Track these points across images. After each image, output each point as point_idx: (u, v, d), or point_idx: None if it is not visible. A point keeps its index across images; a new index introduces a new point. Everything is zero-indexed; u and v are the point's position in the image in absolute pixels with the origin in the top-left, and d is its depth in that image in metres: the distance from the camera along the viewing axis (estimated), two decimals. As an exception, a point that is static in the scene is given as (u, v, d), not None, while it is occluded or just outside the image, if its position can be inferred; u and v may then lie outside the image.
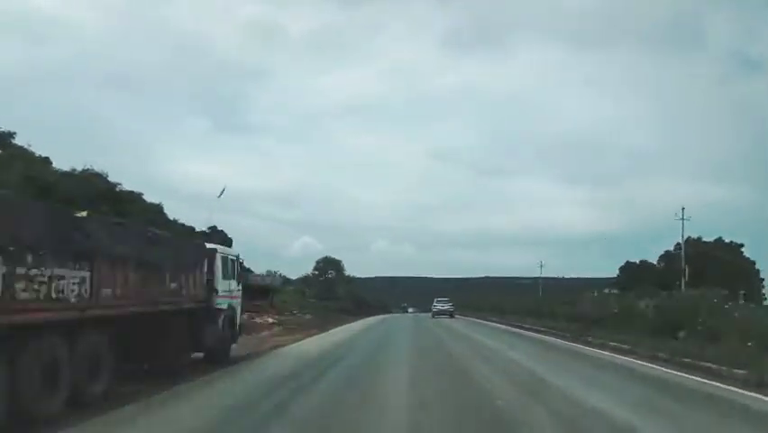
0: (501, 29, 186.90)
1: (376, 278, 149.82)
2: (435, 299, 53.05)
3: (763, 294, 53.62)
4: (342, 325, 34.37)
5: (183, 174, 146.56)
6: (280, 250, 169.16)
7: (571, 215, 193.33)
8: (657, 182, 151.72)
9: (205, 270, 12.65)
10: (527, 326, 30.93)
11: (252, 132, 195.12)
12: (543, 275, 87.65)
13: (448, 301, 51.68)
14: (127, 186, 29.48)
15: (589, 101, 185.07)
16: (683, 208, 54.55)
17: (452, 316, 47.91)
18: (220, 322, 13.51)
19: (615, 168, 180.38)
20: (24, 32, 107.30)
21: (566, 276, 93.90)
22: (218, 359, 13.27)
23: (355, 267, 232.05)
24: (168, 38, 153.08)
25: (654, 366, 13.72)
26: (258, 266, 54.40)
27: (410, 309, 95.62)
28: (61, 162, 28.34)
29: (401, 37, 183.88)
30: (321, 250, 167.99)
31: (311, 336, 24.31)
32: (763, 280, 60.17)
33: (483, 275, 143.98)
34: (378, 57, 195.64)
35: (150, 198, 32.18)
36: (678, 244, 57.61)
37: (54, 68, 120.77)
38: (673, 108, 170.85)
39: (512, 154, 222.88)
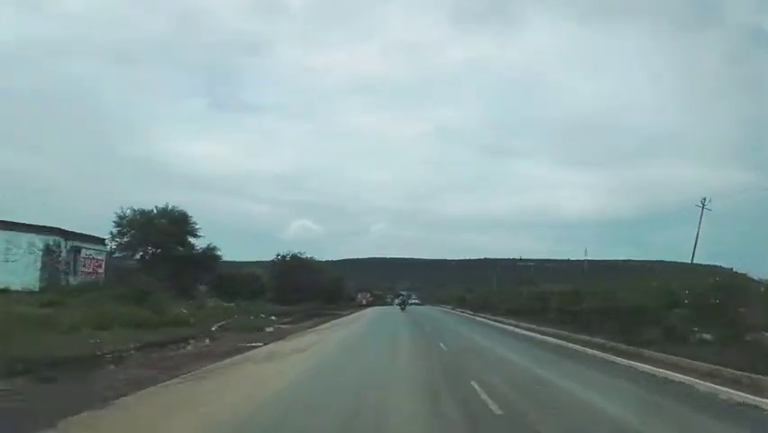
0: (512, 2, 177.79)
1: (373, 259, 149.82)
2: (411, 295, 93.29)
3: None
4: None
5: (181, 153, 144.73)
6: (276, 232, 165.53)
7: (578, 197, 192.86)
8: (667, 165, 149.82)
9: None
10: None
11: (251, 110, 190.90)
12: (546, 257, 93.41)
13: (416, 298, 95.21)
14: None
15: (600, 80, 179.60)
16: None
17: (421, 305, 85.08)
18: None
19: (623, 150, 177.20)
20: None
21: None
22: None
23: (354, 248, 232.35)
24: (167, 13, 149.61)
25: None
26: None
27: (413, 298, 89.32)
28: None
29: (406, 11, 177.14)
30: (319, 232, 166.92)
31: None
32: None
33: (483, 257, 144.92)
34: (382, 32, 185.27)
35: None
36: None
37: (49, 41, 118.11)
38: (692, 87, 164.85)
39: (518, 134, 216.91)
